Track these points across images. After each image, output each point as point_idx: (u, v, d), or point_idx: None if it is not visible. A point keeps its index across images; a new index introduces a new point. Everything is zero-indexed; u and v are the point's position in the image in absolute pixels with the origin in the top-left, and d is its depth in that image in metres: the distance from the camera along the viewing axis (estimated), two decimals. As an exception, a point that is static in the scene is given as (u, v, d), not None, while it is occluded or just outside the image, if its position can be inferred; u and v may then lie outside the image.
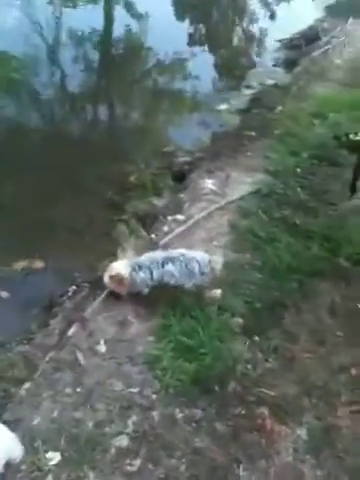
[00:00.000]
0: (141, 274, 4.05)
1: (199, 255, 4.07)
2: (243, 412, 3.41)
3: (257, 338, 3.93)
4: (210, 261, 4.04)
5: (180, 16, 12.32)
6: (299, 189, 5.45)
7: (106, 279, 4.19)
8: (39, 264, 5.08)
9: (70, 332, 4.05)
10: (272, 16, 13.46)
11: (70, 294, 4.64)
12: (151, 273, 4.03)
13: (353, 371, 3.77)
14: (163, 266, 4.01)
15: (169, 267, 3.99)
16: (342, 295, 4.38)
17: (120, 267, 4.13)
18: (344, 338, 4.02)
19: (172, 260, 4.00)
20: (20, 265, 5.03)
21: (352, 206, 5.30)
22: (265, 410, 3.42)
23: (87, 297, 4.45)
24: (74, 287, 4.71)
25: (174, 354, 3.74)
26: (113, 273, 4.13)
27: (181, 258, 4.00)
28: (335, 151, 6.17)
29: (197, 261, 3.97)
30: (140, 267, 4.07)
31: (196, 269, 3.96)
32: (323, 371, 3.74)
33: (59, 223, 5.56)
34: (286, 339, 3.92)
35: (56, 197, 5.87)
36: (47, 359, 3.86)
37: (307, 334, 3.97)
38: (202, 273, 3.98)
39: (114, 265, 4.19)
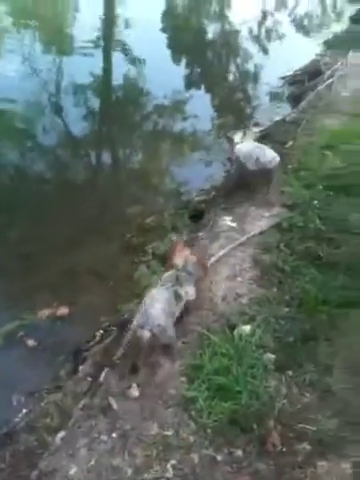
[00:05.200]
0: None
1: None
2: (284, 449, 3.34)
3: (291, 373, 3.88)
4: None
5: (181, 59, 12.65)
6: (318, 221, 5.44)
7: None
8: (64, 310, 5.08)
9: (101, 378, 4.01)
10: (272, 54, 13.79)
11: (97, 339, 4.63)
12: None
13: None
14: None
15: None
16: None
17: None
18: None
19: None
20: (45, 313, 5.04)
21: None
22: (306, 446, 3.36)
23: (115, 340, 4.43)
24: (101, 331, 4.71)
25: (208, 394, 3.69)
26: None
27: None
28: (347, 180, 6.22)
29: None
30: None
31: None
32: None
33: (81, 268, 5.60)
34: (320, 372, 3.85)
35: (76, 243, 5.93)
36: (80, 406, 3.82)
37: (341, 365, 3.90)
38: None
39: None
